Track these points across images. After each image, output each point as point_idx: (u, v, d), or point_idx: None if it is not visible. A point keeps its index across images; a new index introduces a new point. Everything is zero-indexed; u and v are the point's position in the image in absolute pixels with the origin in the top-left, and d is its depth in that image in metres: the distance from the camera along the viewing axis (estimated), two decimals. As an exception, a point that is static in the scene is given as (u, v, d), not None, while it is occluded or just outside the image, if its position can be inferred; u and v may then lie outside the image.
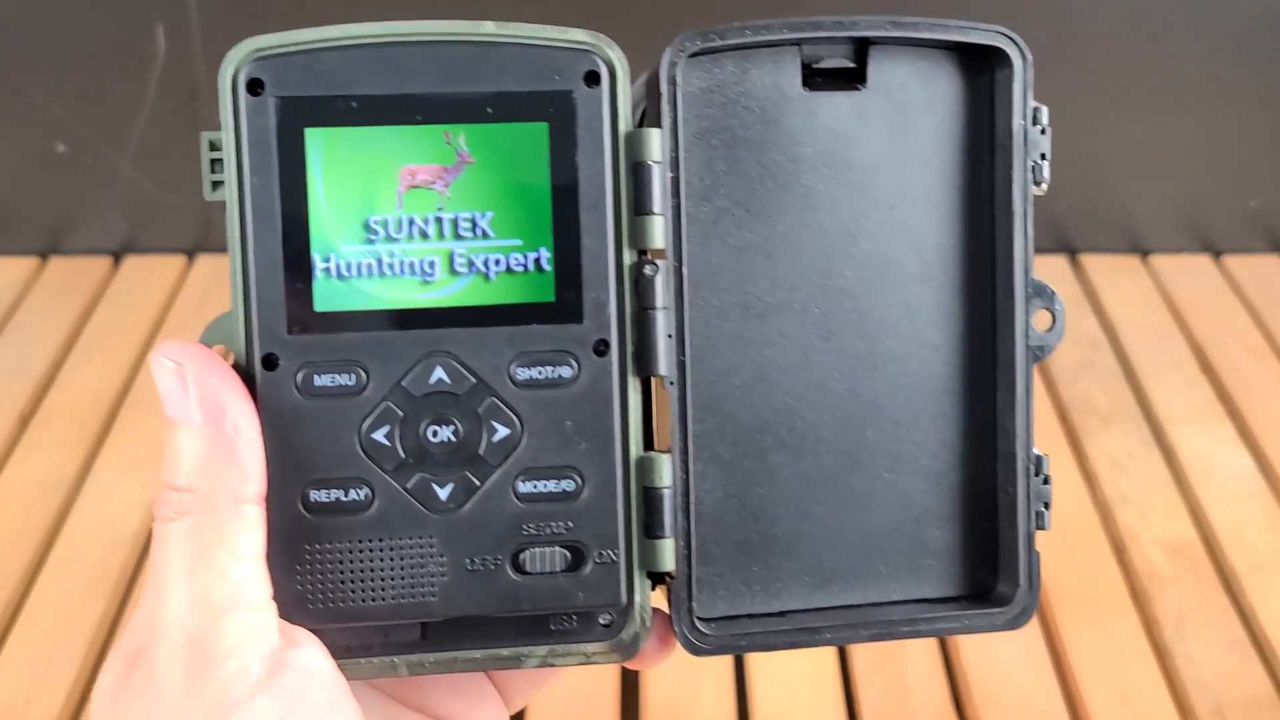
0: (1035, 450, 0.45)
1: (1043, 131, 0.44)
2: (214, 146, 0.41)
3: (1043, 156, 0.44)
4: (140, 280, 1.19)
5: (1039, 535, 0.45)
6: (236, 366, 0.41)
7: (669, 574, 0.43)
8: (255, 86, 0.40)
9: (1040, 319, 0.45)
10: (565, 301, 0.41)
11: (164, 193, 1.10)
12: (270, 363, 0.40)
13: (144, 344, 1.11)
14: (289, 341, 0.40)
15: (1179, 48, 1.18)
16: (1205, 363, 1.12)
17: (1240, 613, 0.88)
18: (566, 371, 0.41)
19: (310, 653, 0.39)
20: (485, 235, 0.41)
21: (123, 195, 1.16)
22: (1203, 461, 1.01)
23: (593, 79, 0.41)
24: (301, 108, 0.40)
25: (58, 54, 1.12)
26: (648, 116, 0.43)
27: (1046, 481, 0.45)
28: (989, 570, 0.46)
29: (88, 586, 0.88)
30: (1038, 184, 0.44)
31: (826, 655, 0.84)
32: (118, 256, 1.22)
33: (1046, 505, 0.45)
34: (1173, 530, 0.94)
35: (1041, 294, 0.45)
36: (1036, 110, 0.44)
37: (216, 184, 0.41)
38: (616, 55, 0.41)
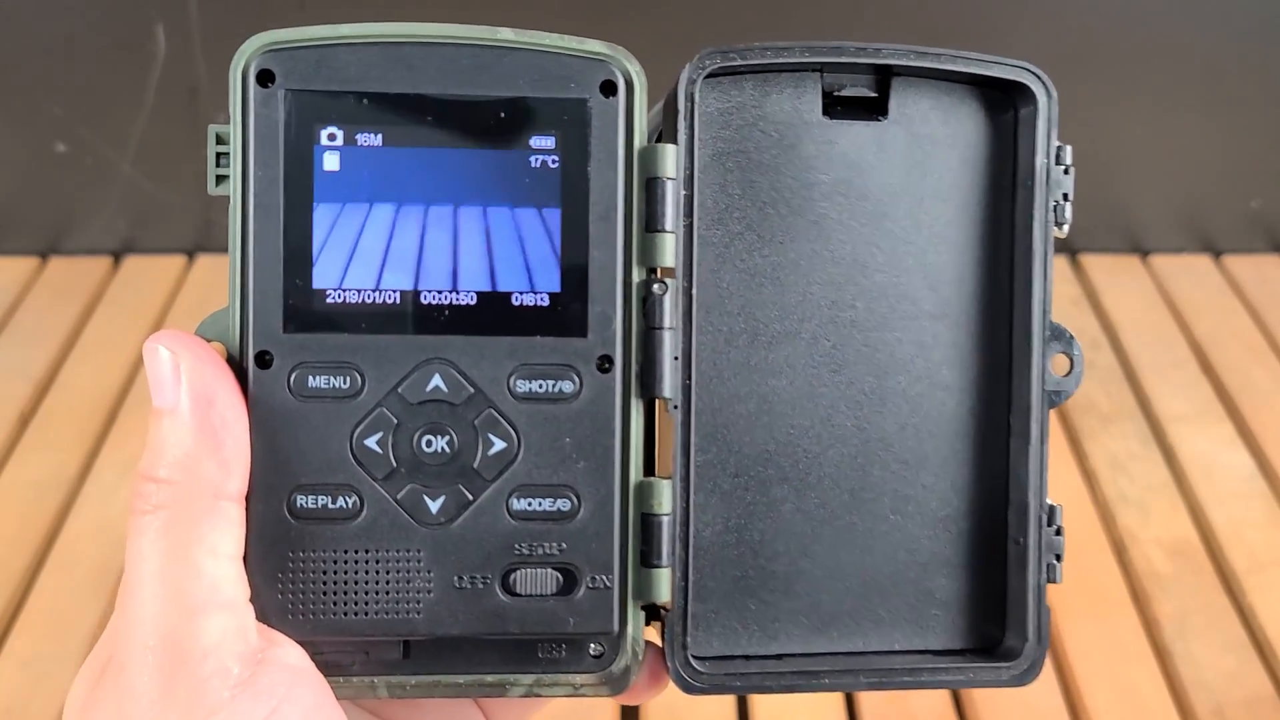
0: (1049, 499, 0.44)
1: (1066, 171, 0.43)
2: (220, 140, 0.40)
3: (1065, 197, 0.43)
4: (140, 280, 1.19)
5: (1050, 589, 0.44)
6: (230, 363, 0.40)
7: (664, 606, 0.42)
8: (266, 78, 0.39)
9: (1058, 363, 0.44)
10: (570, 314, 0.40)
11: (164, 192, 1.09)
12: (264, 360, 0.40)
13: (143, 343, 1.09)
14: (284, 340, 0.40)
15: (1180, 48, 1.18)
16: (1205, 363, 1.12)
17: (1240, 613, 0.87)
18: (568, 386, 0.40)
19: (292, 651, 0.38)
20: (490, 240, 0.40)
21: (123, 195, 1.17)
22: (1203, 461, 1.00)
23: (609, 89, 0.40)
24: (311, 102, 0.40)
25: (58, 54, 1.12)
26: (664, 135, 0.43)
27: (1059, 533, 0.44)
28: (996, 622, 0.44)
29: (87, 587, 0.88)
30: (1059, 225, 0.43)
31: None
32: (118, 256, 1.22)
33: (1059, 557, 0.44)
34: (1173, 530, 0.94)
35: (1060, 337, 0.44)
36: (1060, 149, 0.43)
37: (221, 178, 0.40)
38: (635, 68, 0.41)
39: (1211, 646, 0.85)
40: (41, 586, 0.88)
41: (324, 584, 0.40)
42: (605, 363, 0.40)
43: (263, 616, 0.39)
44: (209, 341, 0.40)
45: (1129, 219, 1.24)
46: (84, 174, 1.16)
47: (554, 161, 0.40)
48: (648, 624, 0.42)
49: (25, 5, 1.11)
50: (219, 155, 0.40)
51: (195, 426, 0.38)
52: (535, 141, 0.40)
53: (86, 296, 1.16)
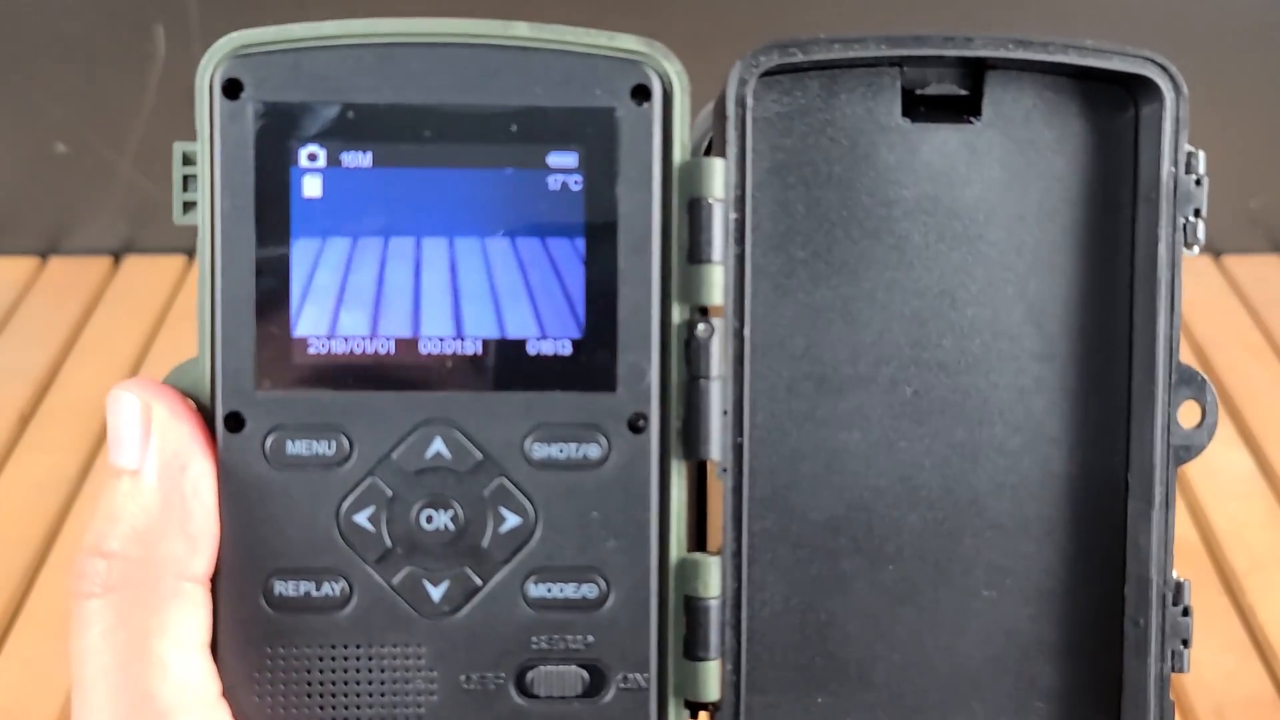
0: (1174, 574, 0.39)
1: (1198, 182, 0.38)
2: (188, 160, 0.35)
3: (1196, 213, 0.38)
4: (140, 280, 1.21)
5: (1175, 679, 0.39)
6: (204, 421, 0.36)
7: (713, 704, 0.37)
8: (233, 88, 0.35)
9: (1187, 413, 0.38)
10: (596, 365, 0.35)
11: (164, 193, 1.13)
12: (235, 423, 0.35)
13: (144, 344, 1.13)
14: (259, 399, 0.35)
15: (1179, 47, 1.16)
16: (1205, 363, 1.12)
17: (1240, 613, 0.88)
18: (594, 451, 0.36)
19: None
20: (500, 278, 0.35)
21: (123, 195, 1.19)
22: (1203, 461, 1.01)
23: (641, 95, 0.35)
24: (287, 116, 0.35)
25: (58, 54, 1.14)
26: (714, 146, 0.38)
27: (1186, 613, 0.39)
28: (1110, 716, 0.40)
29: (88, 587, 0.90)
30: (1189, 246, 0.39)
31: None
32: (118, 256, 1.24)
33: (1185, 643, 0.39)
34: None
35: (1190, 382, 0.39)
36: (1191, 156, 0.38)
37: (189, 205, 0.35)
38: (674, 68, 0.35)
39: (1211, 646, 0.85)
40: (41, 586, 0.89)
41: (308, 685, 0.35)
42: (639, 421, 0.36)
43: (240, 717, 0.35)
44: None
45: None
46: (84, 174, 1.18)
47: (576, 183, 0.35)
48: (694, 719, 0.38)
49: (25, 5, 1.13)
50: (186, 178, 0.35)
51: (162, 493, 0.34)
52: (554, 159, 0.35)
53: (86, 297, 1.19)
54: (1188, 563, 0.92)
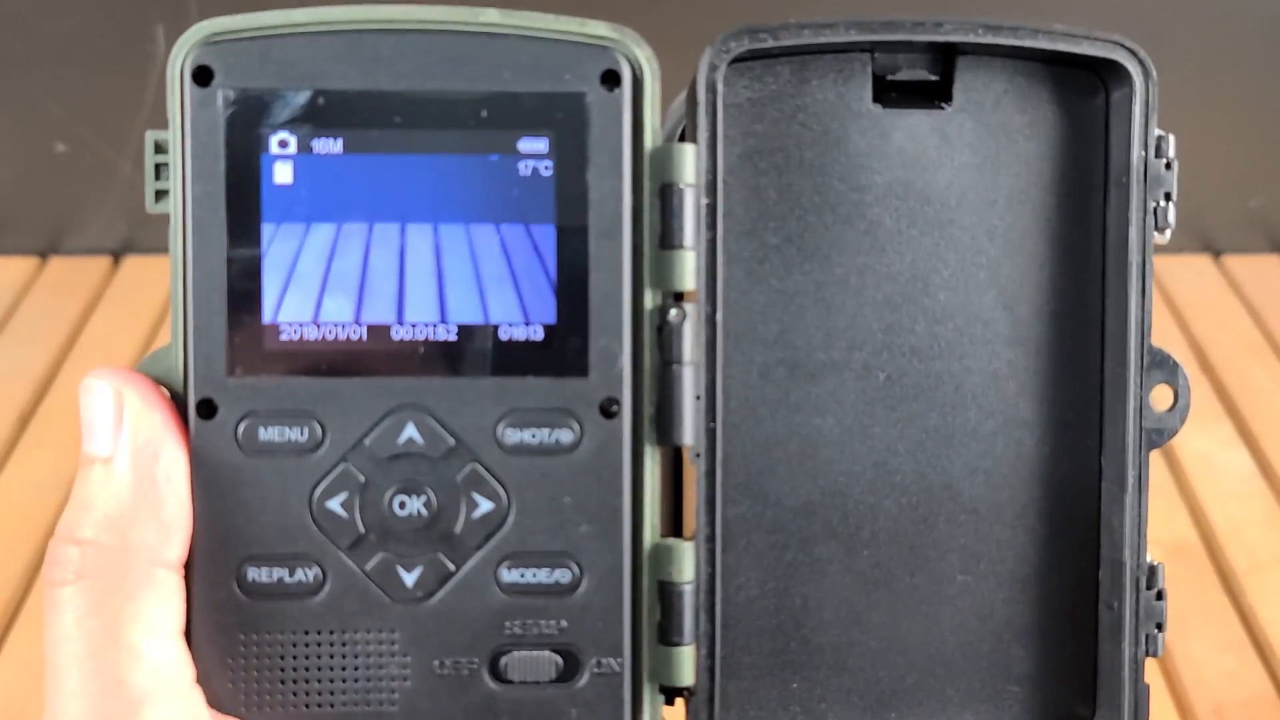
0: (1149, 557, 0.38)
1: (1168, 166, 0.38)
2: (160, 148, 0.35)
3: (1167, 196, 0.38)
4: (140, 280, 1.20)
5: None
6: (176, 409, 0.35)
7: (687, 689, 0.37)
8: (203, 76, 0.34)
9: (1159, 396, 0.38)
10: (568, 350, 0.35)
11: None
12: (207, 409, 0.35)
13: (144, 344, 1.11)
14: (230, 386, 0.35)
15: (1179, 47, 1.16)
16: (1205, 363, 1.12)
17: (1240, 613, 0.87)
18: (566, 436, 0.35)
19: None
20: (472, 264, 0.34)
21: (122, 195, 1.17)
22: (1203, 461, 1.01)
23: (611, 80, 0.35)
24: (257, 103, 0.35)
25: (58, 53, 1.13)
26: (687, 132, 0.37)
27: (1160, 597, 0.38)
28: (1084, 700, 0.39)
29: (87, 587, 0.90)
30: (1160, 230, 0.38)
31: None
32: (118, 256, 1.22)
33: (1159, 626, 0.38)
34: (1173, 530, 0.94)
35: (1162, 365, 0.38)
36: (1161, 139, 0.38)
37: (161, 194, 0.35)
38: (644, 53, 0.35)
39: (1211, 646, 0.84)
40: (41, 586, 0.87)
41: (282, 671, 0.35)
42: (611, 406, 0.35)
43: (214, 703, 0.35)
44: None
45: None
46: (84, 174, 1.17)
47: (547, 168, 0.35)
48: (669, 704, 0.37)
49: (25, 5, 1.12)
50: (158, 167, 0.35)
51: (135, 480, 0.34)
52: (524, 145, 0.35)
53: (86, 296, 1.18)
54: (1188, 563, 0.91)
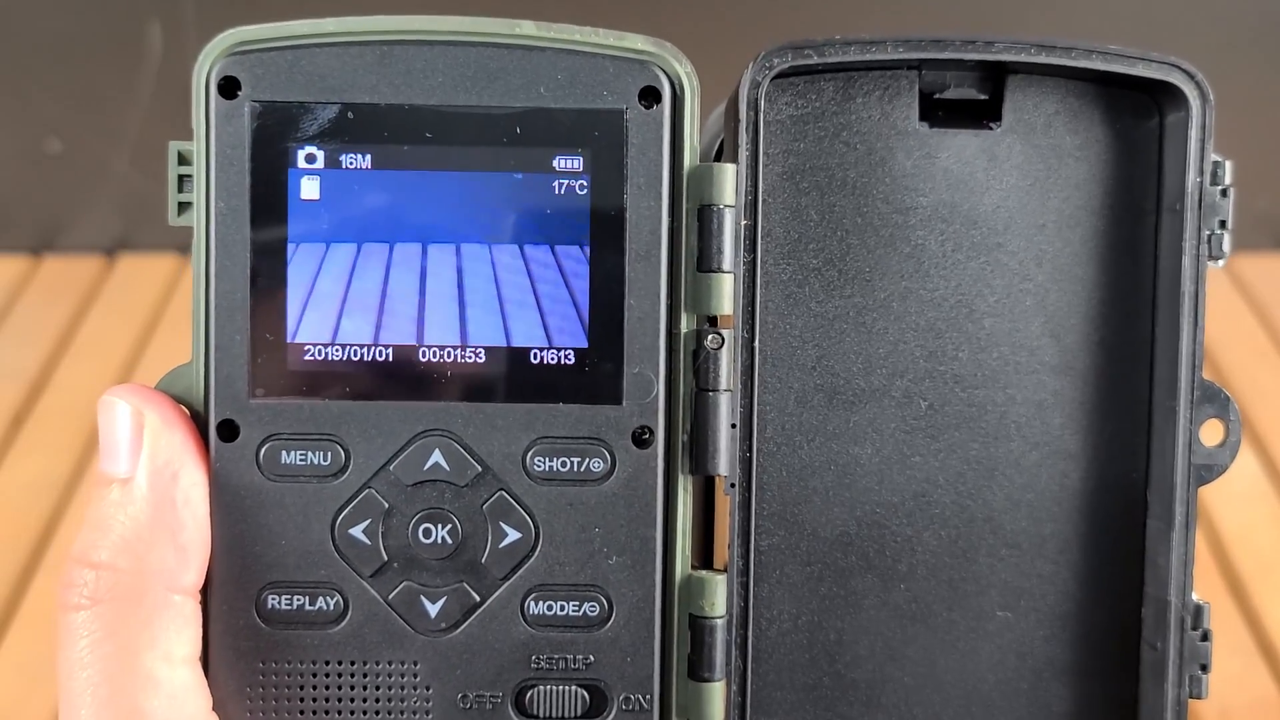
0: (1194, 597, 0.37)
1: (1224, 193, 0.37)
2: (183, 159, 0.34)
3: (1222, 224, 0.37)
4: (135, 279, 1.19)
5: (1192, 705, 0.37)
6: (197, 429, 0.34)
7: None
8: (229, 87, 0.33)
9: (1209, 431, 0.37)
10: (600, 376, 0.34)
11: (159, 191, 1.13)
12: (228, 431, 0.34)
13: (138, 343, 1.11)
14: (252, 407, 0.34)
15: (1179, 46, 1.15)
16: (1212, 363, 1.11)
17: (1247, 616, 0.87)
18: (597, 465, 0.34)
19: None
20: (500, 285, 0.33)
21: (117, 193, 1.17)
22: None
23: (651, 97, 0.34)
24: (285, 116, 0.34)
25: (53, 51, 1.13)
26: (725, 151, 0.36)
27: (1206, 637, 0.38)
28: None
29: (82, 588, 0.90)
30: (1214, 259, 0.37)
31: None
32: (112, 254, 1.22)
33: (1204, 668, 0.38)
34: None
35: (1213, 399, 0.37)
36: (1218, 165, 0.37)
37: (184, 206, 0.34)
38: (684, 69, 0.34)
39: (1217, 649, 0.86)
40: (36, 589, 0.87)
41: (301, 701, 0.34)
42: (644, 435, 0.34)
43: None
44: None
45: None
46: (78, 172, 1.17)
47: (582, 187, 0.34)
48: None
49: (21, 2, 1.12)
50: (182, 178, 0.34)
51: (153, 502, 0.33)
52: (560, 162, 0.34)
53: (80, 295, 1.17)
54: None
